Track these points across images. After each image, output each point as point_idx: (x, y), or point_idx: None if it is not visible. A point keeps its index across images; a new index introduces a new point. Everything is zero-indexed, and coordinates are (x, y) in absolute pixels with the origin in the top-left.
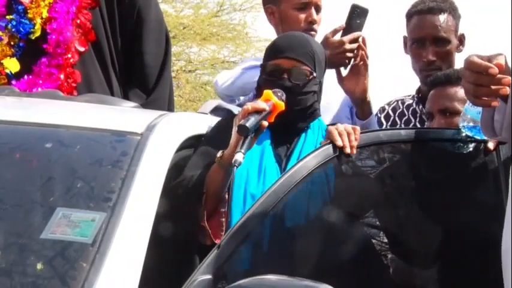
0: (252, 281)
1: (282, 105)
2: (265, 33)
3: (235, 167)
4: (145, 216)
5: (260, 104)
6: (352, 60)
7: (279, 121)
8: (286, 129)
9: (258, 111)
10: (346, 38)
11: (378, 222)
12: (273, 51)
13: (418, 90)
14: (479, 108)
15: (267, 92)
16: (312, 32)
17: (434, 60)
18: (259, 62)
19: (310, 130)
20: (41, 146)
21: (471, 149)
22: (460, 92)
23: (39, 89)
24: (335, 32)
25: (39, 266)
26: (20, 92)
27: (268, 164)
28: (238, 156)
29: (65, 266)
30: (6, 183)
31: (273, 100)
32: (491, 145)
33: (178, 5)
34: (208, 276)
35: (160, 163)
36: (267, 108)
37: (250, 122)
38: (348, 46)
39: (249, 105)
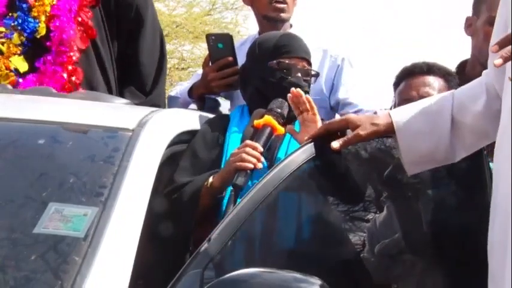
0: (241, 273)
1: (282, 131)
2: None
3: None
4: (136, 211)
5: (249, 163)
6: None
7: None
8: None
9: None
10: (215, 66)
11: (367, 217)
12: (285, 49)
13: None
14: None
15: (268, 118)
16: (282, 14)
17: None
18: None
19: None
20: (34, 142)
21: None
22: (428, 80)
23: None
24: (205, 62)
25: (32, 260)
26: (13, 89)
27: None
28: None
29: (57, 260)
30: (0, 179)
31: (275, 126)
32: None
33: (171, 4)
34: (198, 270)
35: (152, 158)
36: (260, 166)
37: (243, 180)
38: (216, 73)
39: (238, 164)
